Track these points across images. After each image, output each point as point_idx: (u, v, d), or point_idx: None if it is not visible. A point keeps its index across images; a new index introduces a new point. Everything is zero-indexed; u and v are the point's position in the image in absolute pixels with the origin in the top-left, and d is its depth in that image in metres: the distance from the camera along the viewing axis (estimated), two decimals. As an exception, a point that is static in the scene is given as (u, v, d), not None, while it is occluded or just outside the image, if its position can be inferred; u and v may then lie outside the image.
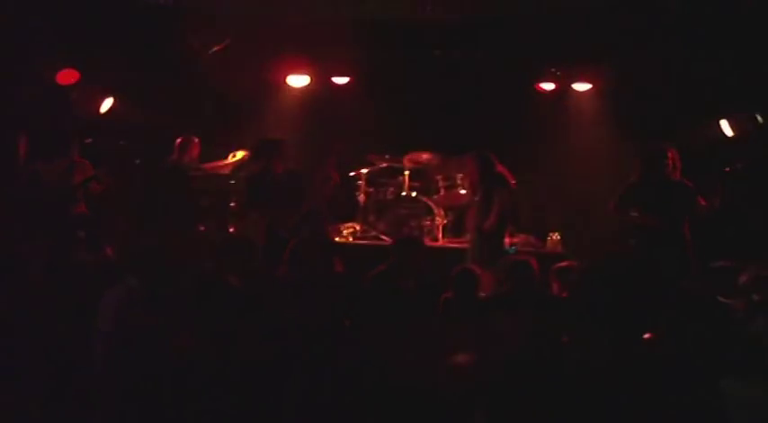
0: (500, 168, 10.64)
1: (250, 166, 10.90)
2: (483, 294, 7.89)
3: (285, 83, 12.77)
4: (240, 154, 12.02)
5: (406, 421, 4.97)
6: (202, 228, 12.13)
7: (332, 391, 5.87)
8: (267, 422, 4.04)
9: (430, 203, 12.53)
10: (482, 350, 5.90)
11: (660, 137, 10.87)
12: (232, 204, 12.15)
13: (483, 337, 6.49)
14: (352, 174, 12.94)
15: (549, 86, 12.77)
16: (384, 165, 13.01)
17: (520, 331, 6.35)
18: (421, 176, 12.94)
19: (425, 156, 12.79)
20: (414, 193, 12.74)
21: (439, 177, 12.72)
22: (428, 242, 11.48)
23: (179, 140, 11.92)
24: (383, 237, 12.26)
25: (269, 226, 10.48)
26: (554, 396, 3.19)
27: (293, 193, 10.71)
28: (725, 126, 12.03)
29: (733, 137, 11.96)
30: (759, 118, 11.68)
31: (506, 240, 11.79)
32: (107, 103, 12.34)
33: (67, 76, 11.94)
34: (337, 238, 11.88)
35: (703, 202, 10.02)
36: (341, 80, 12.95)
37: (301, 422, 4.25)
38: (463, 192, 12.26)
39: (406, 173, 12.83)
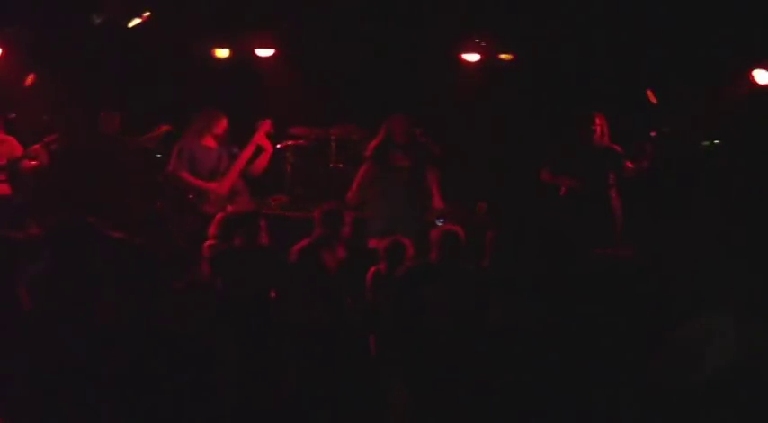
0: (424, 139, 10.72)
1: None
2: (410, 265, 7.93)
3: (210, 55, 12.62)
4: (163, 127, 11.94)
5: (329, 389, 5.00)
6: (128, 201, 12.04)
7: (258, 361, 5.88)
8: (193, 393, 4.03)
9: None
10: (407, 320, 5.96)
11: (587, 104, 11.02)
12: (160, 179, 12.08)
13: (407, 307, 6.54)
14: (278, 146, 12.90)
15: (473, 58, 12.78)
16: (311, 137, 12.99)
17: (444, 300, 6.40)
18: (347, 148, 12.93)
19: (351, 128, 12.79)
20: (341, 165, 12.74)
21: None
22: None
23: (102, 115, 11.80)
24: (311, 209, 12.25)
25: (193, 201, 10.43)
26: (477, 362, 3.23)
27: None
28: (650, 95, 12.17)
29: (658, 104, 12.11)
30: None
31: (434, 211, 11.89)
32: (30, 78, 12.20)
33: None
34: (265, 211, 11.85)
35: (631, 166, 10.21)
36: (265, 53, 12.86)
37: (227, 391, 4.25)
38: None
39: (333, 145, 12.82)
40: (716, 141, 11.83)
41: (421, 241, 8.54)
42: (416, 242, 8.41)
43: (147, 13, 11.84)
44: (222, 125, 10.57)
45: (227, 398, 4.18)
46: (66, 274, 5.07)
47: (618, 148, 10.29)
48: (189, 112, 11.04)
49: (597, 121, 10.25)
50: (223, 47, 12.70)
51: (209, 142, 10.53)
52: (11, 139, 11.27)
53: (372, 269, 8.00)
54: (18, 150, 11.19)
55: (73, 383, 3.95)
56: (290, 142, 12.87)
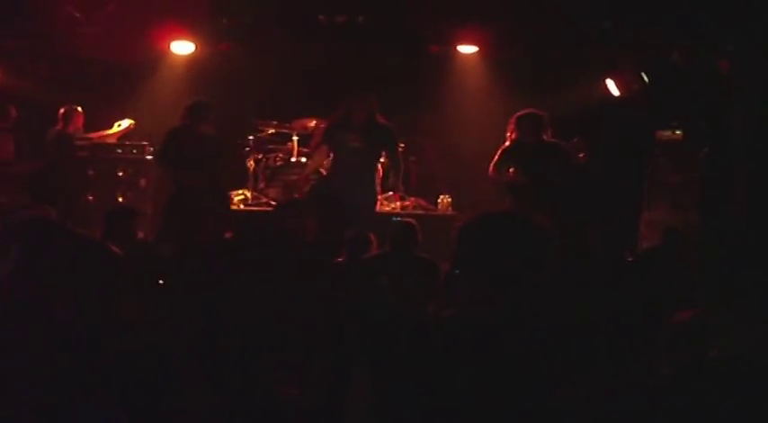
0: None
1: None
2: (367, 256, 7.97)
3: (169, 50, 12.52)
4: (126, 123, 11.89)
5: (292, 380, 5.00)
6: (90, 197, 12.00)
7: (224, 357, 5.87)
8: (152, 388, 4.01)
9: (319, 169, 12.51)
10: (362, 311, 5.97)
11: (546, 97, 11.09)
12: (120, 173, 12.03)
13: (364, 298, 6.56)
14: (239, 141, 12.86)
15: (440, 49, 12.78)
16: (272, 131, 12.96)
17: (399, 291, 6.44)
18: (309, 142, 12.91)
19: (313, 121, 12.76)
20: (303, 159, 12.71)
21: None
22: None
23: (62, 110, 11.75)
24: (273, 203, 12.22)
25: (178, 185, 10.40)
26: (432, 354, 3.21)
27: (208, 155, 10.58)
28: (611, 85, 12.24)
29: (620, 96, 12.19)
30: (644, 77, 11.89)
31: (397, 204, 11.95)
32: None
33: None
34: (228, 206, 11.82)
35: (582, 156, 10.39)
36: (225, 47, 12.79)
37: (189, 384, 4.23)
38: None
39: (295, 139, 12.79)
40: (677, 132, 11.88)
41: (367, 225, 8.63)
42: (362, 226, 8.50)
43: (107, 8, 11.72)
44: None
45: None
46: (27, 272, 5.04)
47: (561, 143, 10.46)
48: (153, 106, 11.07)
49: (538, 118, 10.39)
50: (183, 40, 12.56)
51: None
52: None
53: (337, 260, 8.03)
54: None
55: (29, 383, 3.92)
56: (250, 136, 12.82)
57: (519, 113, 10.38)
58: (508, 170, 10.39)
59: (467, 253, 3.33)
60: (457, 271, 3.38)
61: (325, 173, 11.43)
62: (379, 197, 11.96)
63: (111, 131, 12.00)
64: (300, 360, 5.94)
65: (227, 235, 8.15)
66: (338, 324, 6.06)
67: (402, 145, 12.07)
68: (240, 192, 12.55)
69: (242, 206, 12.30)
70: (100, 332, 3.99)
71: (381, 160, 11.42)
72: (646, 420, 3.26)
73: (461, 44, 12.51)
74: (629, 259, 8.77)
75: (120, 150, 12.05)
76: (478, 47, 12.49)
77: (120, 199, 11.91)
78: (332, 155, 10.87)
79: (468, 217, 3.35)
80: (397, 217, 10.71)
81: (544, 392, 3.16)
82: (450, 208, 12.38)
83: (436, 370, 3.14)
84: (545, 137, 10.34)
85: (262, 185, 12.77)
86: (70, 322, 4.02)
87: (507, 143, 10.41)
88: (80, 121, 11.86)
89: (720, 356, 2.94)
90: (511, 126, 10.37)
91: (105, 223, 7.69)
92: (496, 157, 10.42)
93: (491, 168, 10.44)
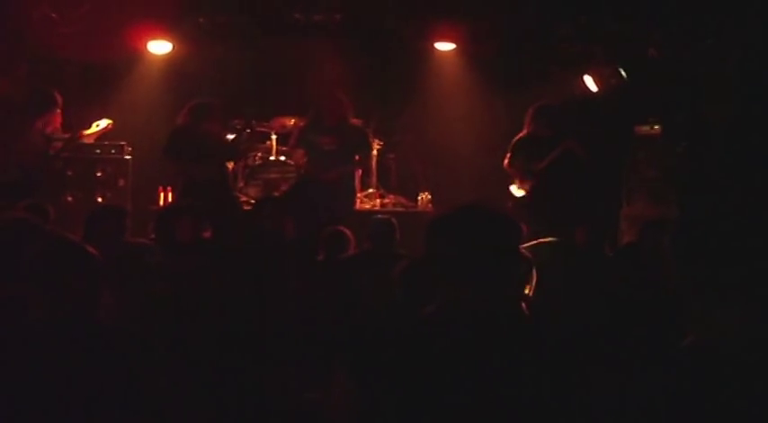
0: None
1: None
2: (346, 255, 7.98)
3: (146, 50, 12.45)
4: (104, 123, 11.83)
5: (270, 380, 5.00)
6: (69, 198, 11.94)
7: (201, 351, 5.87)
8: (129, 390, 3.99)
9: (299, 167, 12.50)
10: (342, 309, 5.97)
11: (524, 93, 11.13)
12: (98, 174, 11.98)
13: (343, 295, 6.55)
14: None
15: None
16: (250, 130, 12.94)
17: (377, 289, 6.42)
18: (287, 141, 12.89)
19: (292, 120, 12.75)
20: (282, 158, 12.69)
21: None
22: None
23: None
24: (252, 202, 12.20)
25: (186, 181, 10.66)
26: (413, 352, 3.21)
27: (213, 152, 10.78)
28: (589, 81, 12.26)
29: (597, 91, 12.21)
30: (622, 72, 11.91)
31: (376, 201, 11.97)
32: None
33: None
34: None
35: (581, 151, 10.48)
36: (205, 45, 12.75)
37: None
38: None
39: (274, 137, 12.78)
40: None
41: (346, 223, 8.66)
42: (340, 224, 8.54)
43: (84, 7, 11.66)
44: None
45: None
46: (2, 272, 5.01)
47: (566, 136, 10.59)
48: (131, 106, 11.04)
49: (551, 110, 10.49)
50: (161, 39, 12.48)
51: None
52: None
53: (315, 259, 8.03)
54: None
55: (3, 385, 3.90)
56: (229, 135, 12.79)
57: (534, 105, 10.48)
58: (524, 162, 10.49)
59: (438, 249, 3.33)
60: (432, 267, 3.37)
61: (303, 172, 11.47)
62: (359, 195, 11.99)
63: (89, 131, 11.92)
64: (280, 359, 5.94)
65: (205, 234, 8.11)
66: (316, 324, 6.07)
67: (381, 143, 12.09)
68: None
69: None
70: (76, 334, 3.97)
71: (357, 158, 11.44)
72: (628, 413, 3.26)
73: (438, 41, 12.49)
74: (609, 254, 8.80)
75: (98, 150, 11.98)
76: (456, 44, 12.47)
77: (100, 199, 11.85)
78: (306, 157, 10.91)
79: (437, 212, 3.35)
80: (376, 214, 10.75)
81: (529, 388, 3.16)
82: (429, 205, 12.40)
83: (419, 368, 3.14)
84: (552, 129, 10.48)
85: (241, 184, 12.75)
86: (46, 324, 4.01)
87: (522, 134, 10.52)
88: (58, 121, 11.78)
89: (695, 344, 2.94)
90: (527, 118, 10.48)
91: (87, 224, 7.65)
92: (511, 149, 10.52)
93: (506, 161, 10.55)
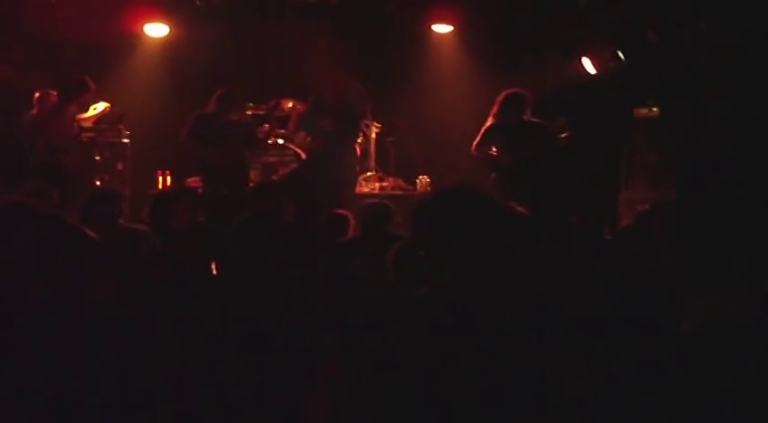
0: None
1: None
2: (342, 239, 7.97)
3: (143, 32, 12.42)
4: (101, 106, 11.81)
5: (265, 361, 4.98)
6: (98, 182, 11.96)
7: (200, 337, 5.85)
8: (126, 374, 3.99)
9: (297, 151, 12.47)
10: (337, 293, 5.95)
11: (522, 76, 11.12)
12: (97, 157, 11.98)
13: (338, 280, 6.53)
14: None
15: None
16: (249, 113, 12.90)
17: (372, 273, 6.41)
18: (287, 124, 12.86)
19: (290, 103, 12.71)
20: (280, 141, 12.67)
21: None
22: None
23: (37, 94, 11.64)
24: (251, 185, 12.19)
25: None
26: (408, 336, 3.20)
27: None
28: (587, 64, 12.23)
29: (596, 74, 12.19)
30: (620, 55, 11.88)
31: (375, 184, 11.96)
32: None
33: None
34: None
35: (564, 136, 10.44)
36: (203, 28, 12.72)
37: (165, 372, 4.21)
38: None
39: (272, 119, 12.75)
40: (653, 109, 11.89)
41: (347, 206, 8.66)
42: (340, 207, 8.54)
43: None
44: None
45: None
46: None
47: (543, 122, 10.54)
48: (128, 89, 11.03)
49: (521, 97, 10.47)
50: (157, 22, 12.43)
51: None
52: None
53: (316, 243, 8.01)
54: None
55: None
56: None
57: (503, 93, 10.45)
58: (491, 149, 10.45)
59: (426, 233, 3.33)
60: (420, 252, 3.36)
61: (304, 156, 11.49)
62: (359, 178, 11.99)
63: (87, 115, 11.90)
64: (277, 347, 5.93)
65: (201, 218, 8.11)
66: (314, 309, 6.06)
67: (379, 126, 12.08)
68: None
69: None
70: (74, 316, 3.96)
71: (359, 141, 11.44)
72: (623, 398, 3.26)
73: (436, 23, 12.47)
74: (608, 238, 8.79)
75: (96, 134, 11.98)
76: (453, 26, 12.45)
77: (98, 182, 11.84)
78: (309, 140, 10.92)
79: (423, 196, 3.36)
80: (375, 198, 10.76)
81: (522, 374, 3.16)
82: (428, 188, 12.38)
83: (413, 351, 3.14)
84: (526, 116, 10.43)
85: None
86: (42, 306, 4.00)
87: (490, 122, 10.47)
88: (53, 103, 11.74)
89: (693, 330, 2.94)
90: (495, 106, 10.44)
91: (84, 207, 7.64)
92: (479, 136, 10.48)
93: (474, 147, 10.50)
